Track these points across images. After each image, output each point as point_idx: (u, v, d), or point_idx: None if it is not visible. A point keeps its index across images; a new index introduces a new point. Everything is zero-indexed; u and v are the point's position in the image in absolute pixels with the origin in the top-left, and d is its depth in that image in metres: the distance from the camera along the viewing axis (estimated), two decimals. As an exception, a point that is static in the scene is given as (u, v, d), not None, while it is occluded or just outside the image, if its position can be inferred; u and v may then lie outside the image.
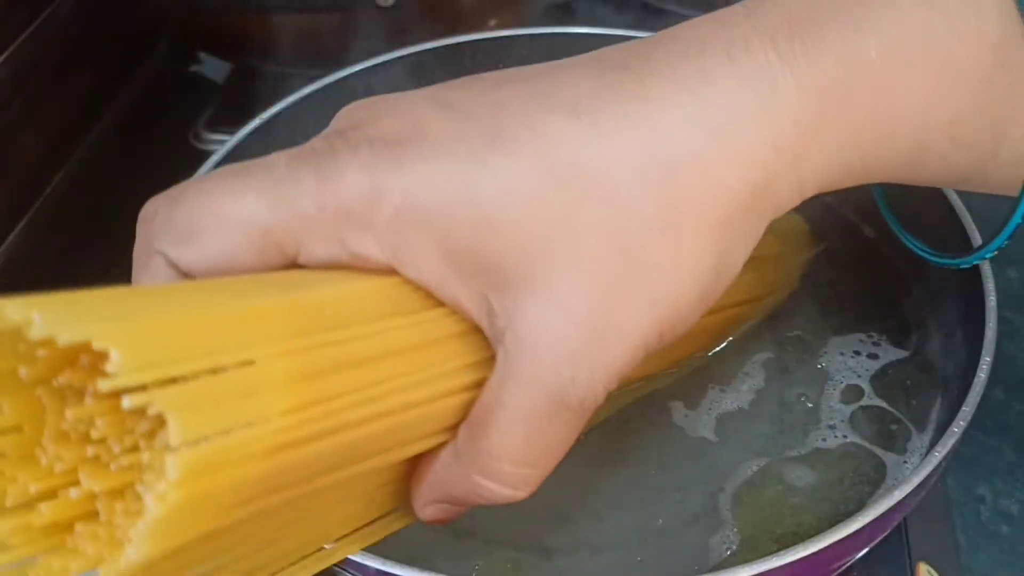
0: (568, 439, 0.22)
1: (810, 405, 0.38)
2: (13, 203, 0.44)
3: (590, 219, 0.21)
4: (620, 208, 0.21)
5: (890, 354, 0.39)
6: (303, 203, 0.21)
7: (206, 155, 0.41)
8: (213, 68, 0.61)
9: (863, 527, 0.28)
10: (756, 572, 0.27)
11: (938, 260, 0.29)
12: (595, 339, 0.21)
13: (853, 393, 0.38)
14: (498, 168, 0.21)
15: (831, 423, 0.37)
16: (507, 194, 0.20)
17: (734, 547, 0.33)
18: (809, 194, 0.23)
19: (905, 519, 0.35)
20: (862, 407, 0.37)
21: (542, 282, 0.21)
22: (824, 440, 0.36)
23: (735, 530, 0.33)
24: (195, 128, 0.56)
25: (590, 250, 0.21)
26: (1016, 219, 0.24)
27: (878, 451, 0.36)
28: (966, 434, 0.31)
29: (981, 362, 0.33)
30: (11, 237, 0.44)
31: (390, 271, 0.22)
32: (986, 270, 0.36)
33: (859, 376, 0.38)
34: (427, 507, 0.25)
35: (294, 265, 0.22)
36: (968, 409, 0.32)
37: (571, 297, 0.21)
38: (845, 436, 0.36)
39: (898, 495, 0.29)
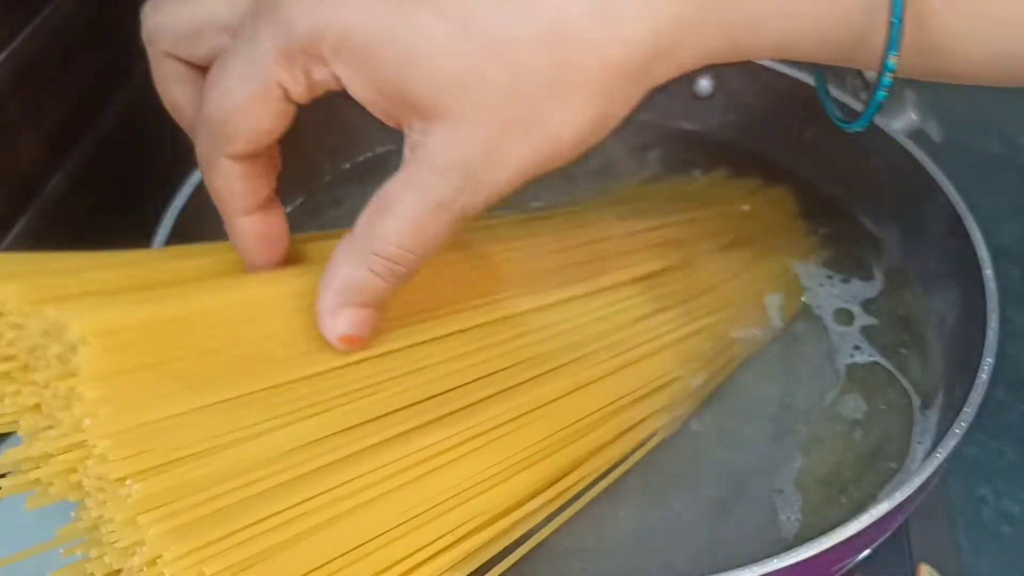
0: (444, 236, 0.28)
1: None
2: (13, 203, 0.44)
3: (493, 72, 0.26)
4: (518, 67, 0.26)
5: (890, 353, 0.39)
6: (268, 57, 0.27)
7: (206, 155, 0.41)
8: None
9: (865, 528, 0.28)
10: (758, 573, 0.27)
11: (841, 125, 0.33)
12: (484, 162, 0.26)
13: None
14: (422, 21, 0.25)
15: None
16: (428, 40, 0.25)
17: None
18: (687, 71, 0.28)
19: (907, 520, 0.35)
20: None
21: (450, 116, 0.26)
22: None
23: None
24: (194, 127, 0.56)
25: (491, 95, 0.26)
26: (875, 104, 0.29)
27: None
28: (967, 435, 0.31)
29: (983, 363, 0.33)
30: (10, 237, 0.44)
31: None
32: (988, 271, 0.36)
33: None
34: (335, 316, 0.29)
35: (297, 101, 0.28)
36: (970, 410, 0.32)
37: (471, 129, 0.26)
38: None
39: (900, 496, 0.29)
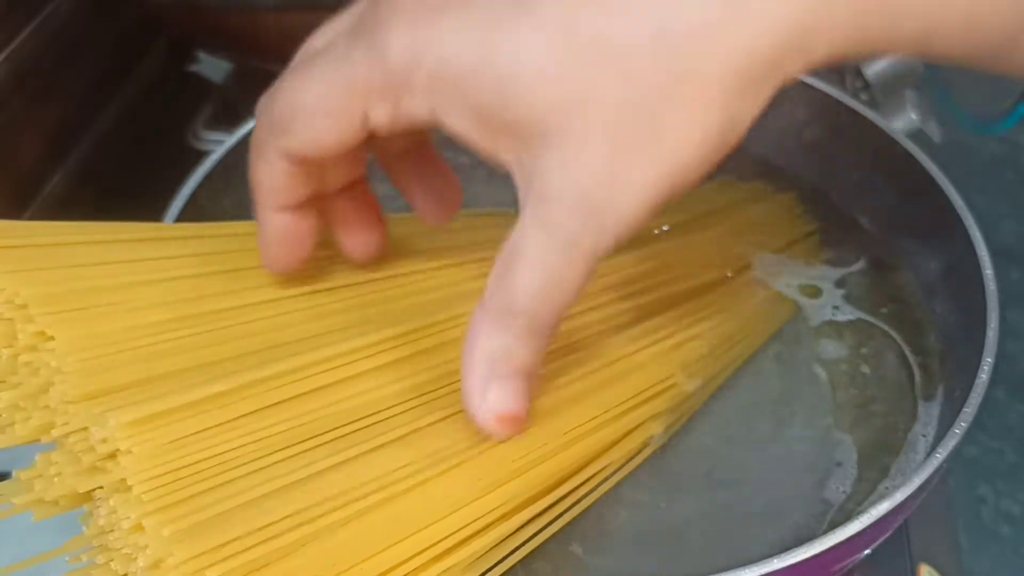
0: (581, 282, 0.25)
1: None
2: (13, 203, 0.44)
3: (605, 86, 0.23)
4: (633, 77, 0.23)
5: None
6: (359, 78, 0.25)
7: (205, 154, 0.41)
8: (212, 67, 0.61)
9: (864, 529, 0.28)
10: (758, 573, 0.27)
11: (975, 131, 0.31)
12: (607, 191, 0.24)
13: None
14: (520, 35, 0.23)
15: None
16: (528, 60, 0.23)
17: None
18: (817, 66, 0.25)
19: (907, 520, 0.35)
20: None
21: (560, 141, 0.23)
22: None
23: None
24: (194, 127, 0.56)
25: (604, 114, 0.23)
26: None
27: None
28: (967, 435, 0.31)
29: (983, 363, 0.33)
30: (10, 237, 0.44)
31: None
32: (988, 271, 0.36)
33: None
34: (484, 396, 0.27)
35: (374, 133, 0.26)
36: (970, 410, 0.31)
37: (586, 154, 0.23)
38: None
39: (899, 496, 0.29)
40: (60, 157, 0.48)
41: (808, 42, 0.24)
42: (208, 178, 0.40)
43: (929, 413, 0.37)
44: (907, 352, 0.40)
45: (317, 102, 0.26)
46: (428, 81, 0.24)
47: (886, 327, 0.41)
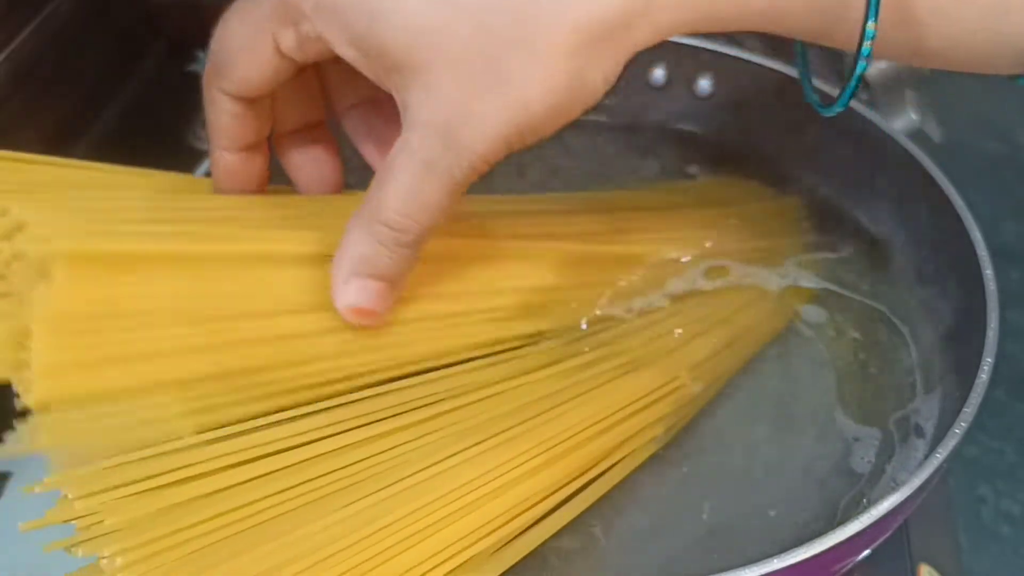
0: (441, 202, 0.28)
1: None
2: (12, 203, 0.44)
3: (459, 27, 0.26)
4: (485, 22, 0.26)
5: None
6: (265, 10, 0.28)
7: (205, 154, 0.41)
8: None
9: (864, 529, 0.28)
10: (758, 573, 0.27)
11: (820, 109, 0.33)
12: (459, 123, 0.27)
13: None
14: None
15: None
16: (396, 2, 0.26)
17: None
18: (666, 36, 0.27)
19: (907, 520, 0.35)
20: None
21: (424, 71, 0.26)
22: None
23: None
24: (194, 127, 0.56)
25: (460, 53, 0.26)
26: (856, 76, 0.28)
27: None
28: (967, 435, 0.31)
29: (983, 363, 0.33)
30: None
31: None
32: (988, 271, 0.36)
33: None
34: (346, 286, 0.29)
35: (294, 61, 0.29)
36: (969, 410, 0.31)
37: (442, 89, 0.26)
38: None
39: (899, 497, 0.29)
40: (60, 157, 0.48)
41: (654, 10, 0.26)
42: (208, 177, 0.40)
43: (929, 412, 0.37)
44: (907, 352, 0.40)
45: (238, 40, 0.29)
46: (314, 9, 0.27)
47: (885, 327, 0.41)
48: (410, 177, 0.27)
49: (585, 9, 0.26)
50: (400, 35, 0.26)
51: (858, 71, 0.28)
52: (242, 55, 0.29)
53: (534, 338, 0.35)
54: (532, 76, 0.26)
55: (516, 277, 0.35)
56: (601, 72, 0.27)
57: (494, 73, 0.26)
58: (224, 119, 0.31)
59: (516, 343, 0.35)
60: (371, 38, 0.26)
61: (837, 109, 0.31)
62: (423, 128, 0.27)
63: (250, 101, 0.31)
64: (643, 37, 0.27)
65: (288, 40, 0.28)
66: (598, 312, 0.37)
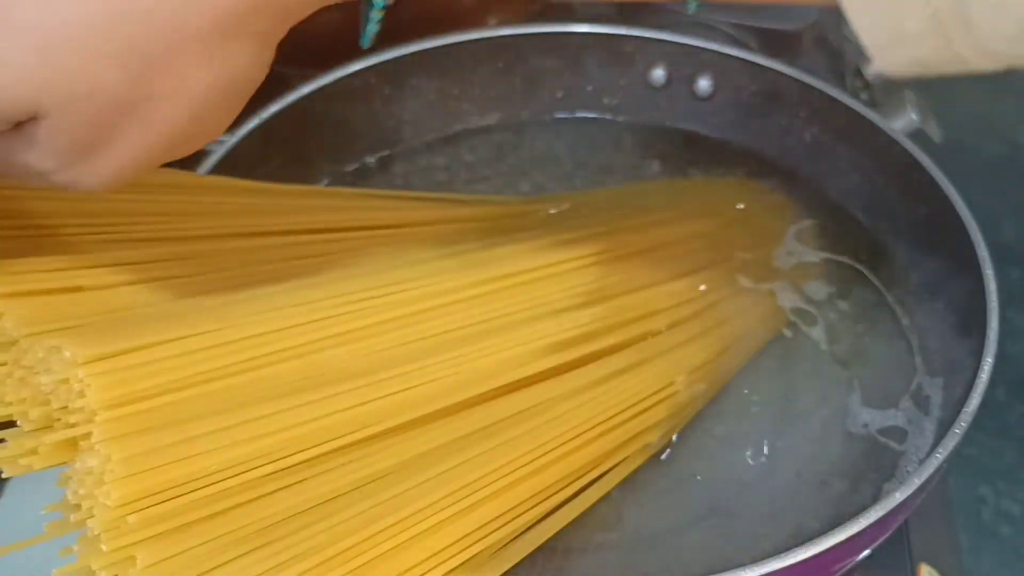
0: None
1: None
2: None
3: (79, 74, 0.23)
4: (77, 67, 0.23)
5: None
6: None
7: (206, 154, 0.41)
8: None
9: (865, 529, 0.28)
10: (758, 573, 0.27)
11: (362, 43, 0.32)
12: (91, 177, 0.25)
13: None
14: None
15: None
16: None
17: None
18: (319, 6, 0.26)
19: (907, 520, 0.35)
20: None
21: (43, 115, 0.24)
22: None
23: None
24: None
25: (80, 103, 0.24)
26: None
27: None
28: (967, 435, 0.31)
29: (983, 363, 0.33)
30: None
31: None
32: (988, 271, 0.36)
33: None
34: None
35: None
36: (969, 410, 0.31)
37: (67, 124, 0.24)
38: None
39: (899, 496, 0.29)
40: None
41: None
42: (212, 176, 0.40)
43: (929, 413, 0.37)
44: (906, 351, 0.40)
45: None
46: None
47: (885, 327, 0.41)
48: None
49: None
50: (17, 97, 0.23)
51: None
52: None
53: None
54: (174, 102, 0.25)
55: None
56: (259, 50, 0.26)
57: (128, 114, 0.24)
58: None
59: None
60: None
61: (365, 43, 0.30)
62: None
63: None
64: (281, 14, 0.26)
65: None
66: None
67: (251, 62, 0.26)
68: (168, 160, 0.26)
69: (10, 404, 0.26)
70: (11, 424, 0.26)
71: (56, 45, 0.23)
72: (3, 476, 0.25)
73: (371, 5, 0.28)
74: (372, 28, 0.29)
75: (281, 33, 0.26)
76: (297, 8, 0.26)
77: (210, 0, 0.24)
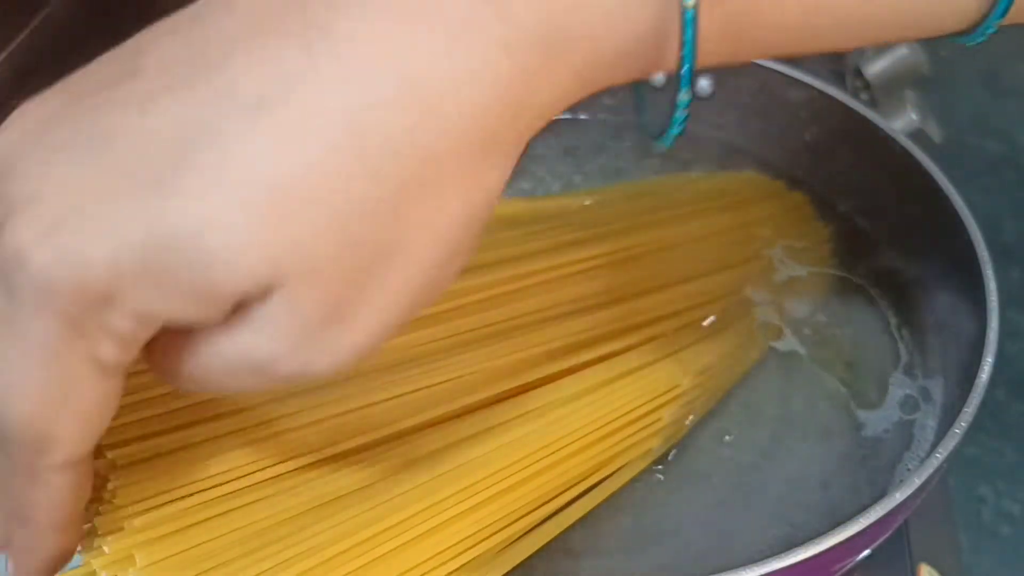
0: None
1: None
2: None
3: (307, 234, 0.18)
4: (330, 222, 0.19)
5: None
6: (49, 338, 0.18)
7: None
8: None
9: (864, 528, 0.28)
10: (758, 573, 0.27)
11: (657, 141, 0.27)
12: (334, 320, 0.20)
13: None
14: (198, 199, 0.18)
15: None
16: (207, 232, 0.18)
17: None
18: (572, 102, 0.22)
19: (907, 520, 0.35)
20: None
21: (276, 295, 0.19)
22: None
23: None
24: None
25: (316, 261, 0.19)
26: (680, 105, 0.24)
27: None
28: (967, 435, 0.31)
29: (983, 363, 0.33)
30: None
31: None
32: (988, 271, 0.36)
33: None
34: None
35: (119, 366, 0.20)
36: (969, 410, 0.31)
37: (308, 293, 0.19)
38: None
39: (899, 496, 0.29)
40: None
41: (527, 108, 0.20)
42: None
43: (929, 413, 0.37)
44: (906, 352, 0.40)
45: (41, 400, 0.19)
46: (135, 281, 0.18)
47: (884, 327, 0.41)
48: None
49: (451, 141, 0.19)
50: (240, 275, 0.18)
51: (681, 105, 0.24)
52: (64, 415, 0.19)
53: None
54: (427, 243, 0.20)
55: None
56: (497, 179, 0.21)
57: (375, 263, 0.19)
58: (68, 496, 0.21)
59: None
60: (206, 292, 0.18)
61: (668, 143, 0.26)
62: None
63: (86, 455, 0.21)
64: (533, 120, 0.21)
65: (110, 349, 0.19)
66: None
67: (502, 178, 0.21)
68: (418, 315, 0.21)
69: None
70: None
71: (290, 197, 0.18)
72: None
73: (675, 107, 0.23)
74: (676, 131, 0.25)
75: (524, 144, 0.21)
76: (549, 111, 0.21)
77: (471, 116, 0.19)
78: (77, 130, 0.19)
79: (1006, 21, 0.24)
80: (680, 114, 0.24)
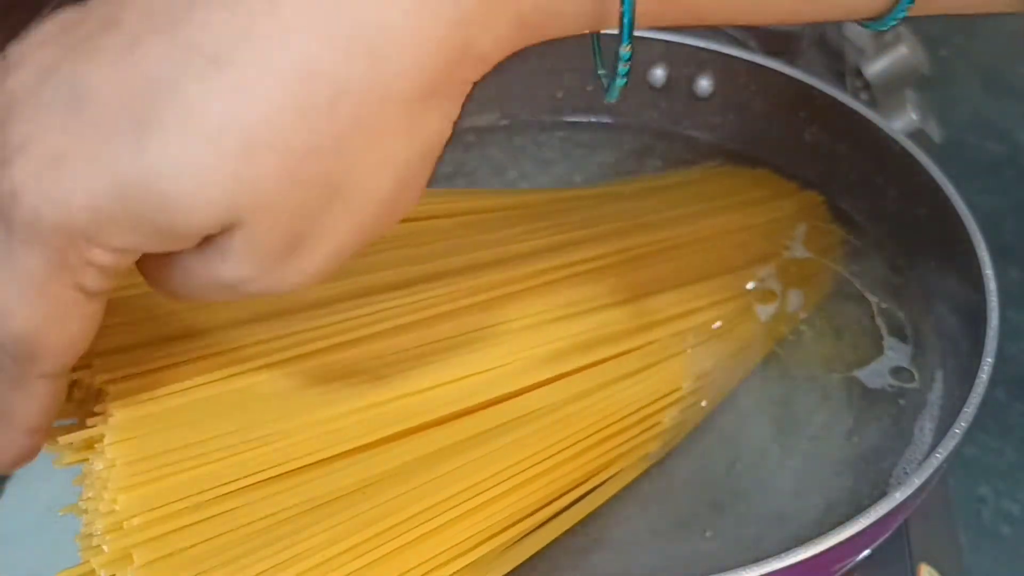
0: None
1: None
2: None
3: (264, 179, 0.20)
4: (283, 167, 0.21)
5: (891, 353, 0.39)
6: (37, 268, 0.21)
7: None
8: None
9: (864, 528, 0.28)
10: (758, 573, 0.27)
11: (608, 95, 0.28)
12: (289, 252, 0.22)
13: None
14: (163, 147, 0.20)
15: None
16: (177, 172, 0.20)
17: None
18: (512, 50, 0.23)
19: (907, 520, 0.35)
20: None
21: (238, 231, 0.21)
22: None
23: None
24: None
25: (272, 203, 0.21)
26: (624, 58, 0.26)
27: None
28: (967, 435, 0.31)
29: (983, 363, 0.33)
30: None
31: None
32: (988, 271, 0.36)
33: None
34: None
35: (102, 292, 0.23)
36: (970, 410, 0.31)
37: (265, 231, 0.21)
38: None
39: (899, 496, 0.29)
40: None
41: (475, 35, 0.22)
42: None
43: (929, 413, 0.37)
44: (906, 351, 0.40)
45: (31, 317, 0.22)
46: (111, 223, 0.21)
47: (884, 327, 0.41)
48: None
49: (401, 84, 0.21)
50: (207, 211, 0.21)
51: (624, 58, 0.25)
52: (52, 331, 0.22)
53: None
54: (374, 182, 0.22)
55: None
56: (440, 121, 0.23)
57: (325, 204, 0.22)
58: (47, 402, 0.24)
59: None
60: (172, 228, 0.21)
61: (614, 96, 0.27)
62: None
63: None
64: (477, 64, 0.23)
65: (93, 278, 0.22)
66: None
67: (447, 121, 0.23)
68: (372, 242, 0.23)
69: None
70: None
71: (244, 144, 0.20)
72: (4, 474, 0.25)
73: (619, 58, 0.25)
74: (620, 82, 0.26)
75: (469, 88, 0.23)
76: (492, 56, 0.23)
77: (413, 60, 0.21)
78: (64, 82, 0.21)
79: (916, 11, 0.26)
80: (623, 67, 0.26)
